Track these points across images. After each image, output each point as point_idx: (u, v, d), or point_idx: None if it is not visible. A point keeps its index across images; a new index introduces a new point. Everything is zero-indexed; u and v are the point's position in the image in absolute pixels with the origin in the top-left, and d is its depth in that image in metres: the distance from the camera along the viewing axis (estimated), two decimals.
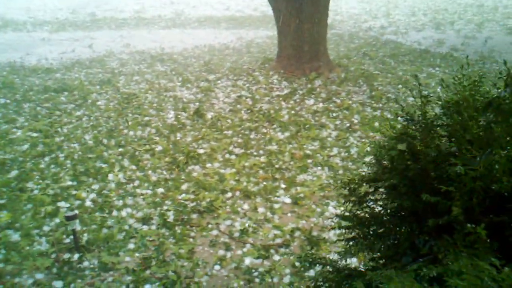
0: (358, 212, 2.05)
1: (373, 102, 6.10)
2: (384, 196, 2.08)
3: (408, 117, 2.02)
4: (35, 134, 5.09)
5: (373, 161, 2.19)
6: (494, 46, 9.56)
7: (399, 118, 1.89)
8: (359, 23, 12.45)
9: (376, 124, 5.33)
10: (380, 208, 2.05)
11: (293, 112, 5.75)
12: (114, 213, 3.65)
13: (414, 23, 12.46)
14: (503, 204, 1.73)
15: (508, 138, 1.75)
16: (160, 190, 3.98)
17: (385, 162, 2.03)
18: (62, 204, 3.75)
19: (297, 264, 3.03)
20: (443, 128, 1.94)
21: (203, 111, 5.70)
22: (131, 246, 3.25)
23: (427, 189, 1.82)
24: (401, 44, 9.81)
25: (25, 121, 5.49)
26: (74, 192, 3.93)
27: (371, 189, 2.17)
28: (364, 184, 2.19)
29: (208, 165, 4.44)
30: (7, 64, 8.10)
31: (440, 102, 2.03)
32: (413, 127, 1.97)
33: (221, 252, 3.20)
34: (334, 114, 5.69)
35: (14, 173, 4.24)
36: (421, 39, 10.35)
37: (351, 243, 2.14)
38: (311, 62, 7.22)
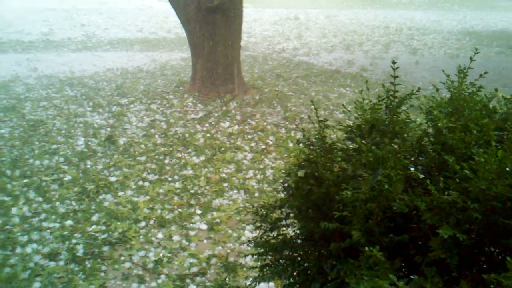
0: (270, 238, 2.04)
1: (287, 123, 6.18)
2: (294, 221, 2.08)
3: (309, 142, 2.05)
4: None
5: (281, 187, 2.20)
6: (400, 65, 10.02)
7: (300, 145, 1.90)
8: (272, 44, 12.67)
9: (291, 145, 5.40)
10: (292, 234, 2.05)
11: (208, 135, 5.70)
12: (18, 250, 3.41)
13: (325, 44, 12.86)
14: (404, 223, 1.78)
15: (395, 158, 1.79)
16: (69, 222, 3.78)
17: (291, 187, 2.04)
18: None
19: None
20: (341, 151, 1.98)
21: (115, 137, 5.52)
22: (36, 285, 3.04)
23: (332, 211, 1.83)
24: (313, 65, 10.07)
25: None
26: None
27: (283, 215, 2.18)
28: (276, 209, 2.19)
29: (121, 193, 4.28)
30: None
31: (341, 127, 2.07)
32: (315, 152, 2.00)
33: (134, 286, 3.07)
34: (250, 136, 5.70)
35: None
36: (332, 60, 10.69)
37: (265, 269, 2.12)
38: (225, 85, 7.23)
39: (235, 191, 4.38)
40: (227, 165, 4.92)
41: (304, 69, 9.64)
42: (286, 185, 2.08)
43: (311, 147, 1.96)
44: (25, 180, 4.47)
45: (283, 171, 2.05)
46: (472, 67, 1.94)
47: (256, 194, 4.32)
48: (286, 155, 5.17)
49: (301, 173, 1.81)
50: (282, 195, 2.18)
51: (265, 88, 7.77)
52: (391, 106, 1.80)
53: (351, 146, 1.88)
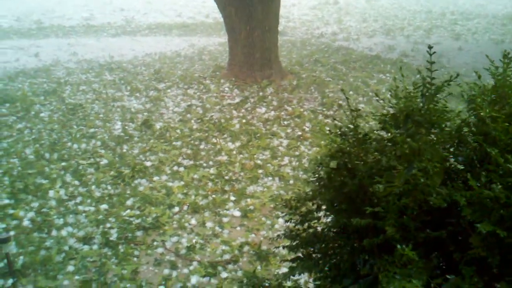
0: (300, 231, 1.97)
1: (324, 109, 6.07)
2: (326, 213, 2.01)
3: (341, 132, 1.96)
4: None
5: (312, 179, 2.12)
6: (442, 51, 9.75)
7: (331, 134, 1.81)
8: (311, 29, 12.49)
9: (327, 129, 5.29)
10: (324, 226, 1.98)
11: (244, 121, 5.66)
12: (54, 232, 3.46)
13: (365, 29, 12.60)
14: (442, 218, 1.68)
15: (432, 149, 1.69)
16: (104, 206, 3.81)
17: (323, 178, 1.96)
18: None
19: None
20: (376, 142, 1.89)
21: (151, 122, 5.54)
22: (70, 268, 3.07)
23: (366, 205, 1.75)
24: (352, 50, 9.88)
25: None
26: (11, 211, 3.71)
27: (314, 207, 2.10)
28: (307, 201, 2.12)
29: (156, 178, 4.29)
30: None
31: (375, 116, 1.97)
32: (347, 142, 1.91)
33: (166, 272, 3.06)
34: (286, 122, 5.63)
35: None
36: (372, 45, 10.46)
37: (296, 262, 2.07)
38: (262, 70, 7.16)
39: (270, 178, 4.32)
40: (263, 151, 4.86)
41: (343, 54, 9.46)
42: (317, 176, 2.01)
43: (343, 136, 1.88)
44: (63, 164, 4.54)
45: (313, 162, 1.96)
46: None
47: (291, 182, 4.25)
48: (323, 142, 5.08)
49: (333, 164, 1.73)
50: (313, 186, 2.11)
51: (302, 74, 7.65)
52: (427, 94, 1.69)
53: (385, 136, 1.80)
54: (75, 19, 13.11)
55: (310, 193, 2.08)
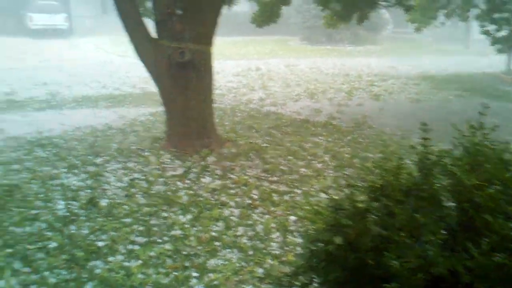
0: None
1: (268, 175, 6.19)
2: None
3: (337, 207, 2.03)
4: None
5: (306, 252, 2.14)
6: (366, 112, 10.31)
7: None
8: (238, 96, 12.81)
9: (276, 198, 5.40)
10: None
11: (191, 192, 5.65)
12: None
13: (289, 94, 13.09)
14: (440, 285, 1.77)
15: (433, 223, 1.79)
16: None
17: (321, 253, 2.00)
18: None
19: None
20: (372, 214, 1.97)
21: (96, 199, 5.40)
22: None
23: (366, 278, 1.81)
24: (282, 115, 10.22)
25: None
26: None
27: (306, 280, 2.13)
28: (298, 276, 2.14)
29: (111, 258, 4.15)
30: None
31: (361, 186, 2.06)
32: (343, 215, 1.97)
33: None
34: (233, 191, 5.68)
35: None
36: (299, 109, 10.87)
37: None
38: (201, 139, 7.23)
39: (228, 250, 4.32)
40: (215, 222, 4.86)
41: (274, 119, 9.76)
42: (312, 251, 2.04)
43: (340, 210, 1.95)
44: (9, 250, 4.29)
45: (303, 238, 2.00)
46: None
47: (251, 252, 4.26)
48: (273, 209, 5.16)
49: (338, 240, 1.79)
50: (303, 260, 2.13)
51: (239, 141, 7.80)
52: (425, 170, 1.82)
53: (382, 209, 1.88)
54: None
55: (300, 268, 2.12)
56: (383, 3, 11.64)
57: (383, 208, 1.84)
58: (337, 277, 1.82)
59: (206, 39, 7.09)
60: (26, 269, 3.98)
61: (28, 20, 30.39)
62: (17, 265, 4.04)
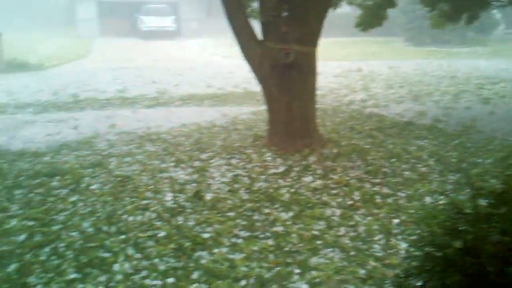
0: None
1: (370, 177, 6.11)
2: None
3: (458, 210, 1.96)
4: (31, 223, 4.90)
5: (418, 255, 2.09)
6: (475, 116, 9.85)
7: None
8: (339, 97, 12.72)
9: (378, 200, 5.33)
10: None
11: (292, 190, 5.70)
12: None
13: (392, 95, 12.78)
14: None
15: None
16: (170, 280, 3.82)
17: (436, 256, 1.95)
18: None
19: None
20: (493, 220, 1.89)
21: (201, 193, 5.61)
22: None
23: (486, 285, 1.74)
24: (384, 117, 10.01)
25: (19, 209, 5.30)
26: (80, 286, 3.74)
27: (418, 282, 2.08)
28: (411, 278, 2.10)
29: (216, 250, 4.31)
30: None
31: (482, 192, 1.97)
32: (463, 221, 1.91)
33: None
34: (334, 191, 5.66)
35: (13, 266, 4.04)
36: (402, 112, 10.59)
37: None
38: (303, 139, 7.27)
39: (330, 249, 4.32)
40: (317, 221, 4.88)
41: (376, 121, 9.59)
42: (427, 254, 2.00)
43: (459, 215, 1.89)
44: (122, 237, 4.58)
45: (418, 241, 1.96)
46: None
47: (353, 253, 4.24)
48: (375, 211, 5.10)
49: (458, 244, 1.74)
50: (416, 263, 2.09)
51: (341, 142, 7.75)
52: None
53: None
54: (109, 92, 13.52)
55: (414, 269, 2.08)
56: (496, 3, 11.05)
57: (506, 214, 1.76)
58: (454, 282, 1.78)
59: (311, 41, 7.13)
60: (138, 255, 4.23)
61: (139, 23, 32.19)
62: (129, 251, 4.31)
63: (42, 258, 4.20)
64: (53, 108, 11.62)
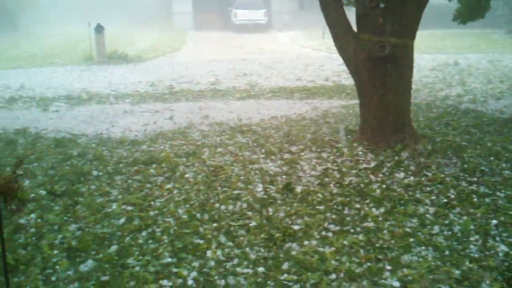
0: None
1: (467, 175, 5.87)
2: None
3: None
4: (129, 208, 5.18)
5: None
6: None
7: None
8: (434, 91, 12.27)
9: (476, 199, 5.12)
10: None
11: (384, 186, 5.60)
12: None
13: (491, 91, 12.15)
14: None
15: None
16: (261, 269, 3.89)
17: None
18: (164, 282, 3.73)
19: None
20: None
21: (292, 185, 5.65)
22: None
23: None
24: (482, 113, 9.55)
25: (119, 194, 5.61)
26: (175, 270, 3.91)
27: None
28: None
29: (306, 242, 4.33)
30: (94, 136, 8.43)
31: None
32: None
33: None
34: (428, 189, 5.50)
35: (114, 248, 4.29)
36: (502, 108, 10.04)
37: None
38: (395, 134, 7.10)
39: (423, 247, 4.20)
40: (409, 218, 4.76)
41: (473, 117, 9.16)
42: None
43: None
44: (215, 224, 4.72)
45: None
46: None
47: (447, 252, 4.11)
48: (472, 210, 4.90)
49: None
50: None
51: (435, 138, 7.49)
52: None
53: None
54: (202, 84, 13.91)
55: None
56: None
57: None
58: None
59: (408, 33, 6.92)
60: (229, 243, 4.35)
61: (233, 16, 32.78)
62: (221, 238, 4.44)
63: (140, 241, 4.43)
64: (150, 98, 12.14)
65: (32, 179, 6.14)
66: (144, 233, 4.59)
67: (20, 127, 9.14)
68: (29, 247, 4.38)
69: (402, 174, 5.95)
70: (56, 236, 4.57)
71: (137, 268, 3.95)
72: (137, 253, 4.21)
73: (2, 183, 2.54)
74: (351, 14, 7.23)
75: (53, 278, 3.87)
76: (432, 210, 4.95)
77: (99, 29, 18.93)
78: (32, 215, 5.05)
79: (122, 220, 4.87)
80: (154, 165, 6.56)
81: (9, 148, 7.70)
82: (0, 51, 23.68)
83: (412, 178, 5.83)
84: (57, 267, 4.03)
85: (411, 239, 4.34)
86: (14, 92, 13.15)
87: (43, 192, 5.68)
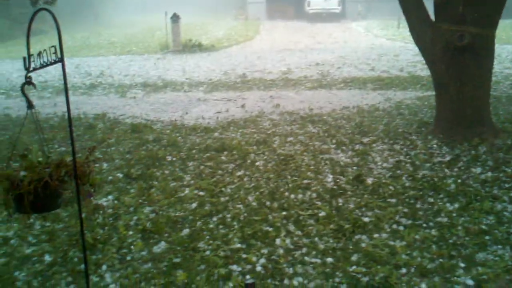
0: None
1: None
2: None
3: None
4: (201, 193, 5.30)
5: None
6: None
7: None
8: None
9: None
10: None
11: (459, 181, 5.42)
12: (286, 281, 3.60)
13: None
14: None
15: None
16: (329, 259, 3.89)
17: None
18: (234, 267, 3.80)
19: None
20: None
21: (362, 176, 5.58)
22: None
23: None
24: None
25: (191, 179, 5.75)
26: (244, 256, 3.97)
27: None
28: None
29: (376, 235, 4.27)
30: (169, 123, 8.67)
31: None
32: None
33: None
34: (507, 185, 5.26)
35: (186, 231, 4.41)
36: None
37: None
38: (473, 127, 6.83)
39: (500, 246, 4.04)
40: (486, 215, 4.58)
41: None
42: None
43: None
44: (284, 213, 4.75)
45: None
46: None
47: None
48: None
49: None
50: None
51: None
52: None
53: None
54: (274, 73, 13.95)
55: None
56: None
57: None
58: None
59: (489, 22, 6.61)
60: (298, 232, 4.37)
61: (306, 5, 32.55)
62: (290, 227, 4.47)
63: (211, 226, 4.53)
64: (222, 87, 12.32)
65: (110, 162, 6.41)
66: (215, 218, 4.69)
67: (100, 112, 9.57)
68: (106, 227, 4.59)
69: (479, 169, 5.73)
70: (131, 218, 4.76)
71: (207, 252, 4.05)
72: (207, 237, 4.31)
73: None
74: (428, 3, 7.00)
75: (128, 258, 4.04)
76: (510, 207, 4.74)
77: (175, 18, 19.39)
78: (110, 197, 5.28)
79: (194, 205, 4.99)
80: (225, 152, 6.68)
81: (89, 132, 8.09)
82: (83, 40, 24.82)
83: (489, 173, 5.60)
84: (132, 247, 4.20)
85: (487, 237, 4.18)
86: (94, 79, 13.76)
87: (120, 175, 5.92)
